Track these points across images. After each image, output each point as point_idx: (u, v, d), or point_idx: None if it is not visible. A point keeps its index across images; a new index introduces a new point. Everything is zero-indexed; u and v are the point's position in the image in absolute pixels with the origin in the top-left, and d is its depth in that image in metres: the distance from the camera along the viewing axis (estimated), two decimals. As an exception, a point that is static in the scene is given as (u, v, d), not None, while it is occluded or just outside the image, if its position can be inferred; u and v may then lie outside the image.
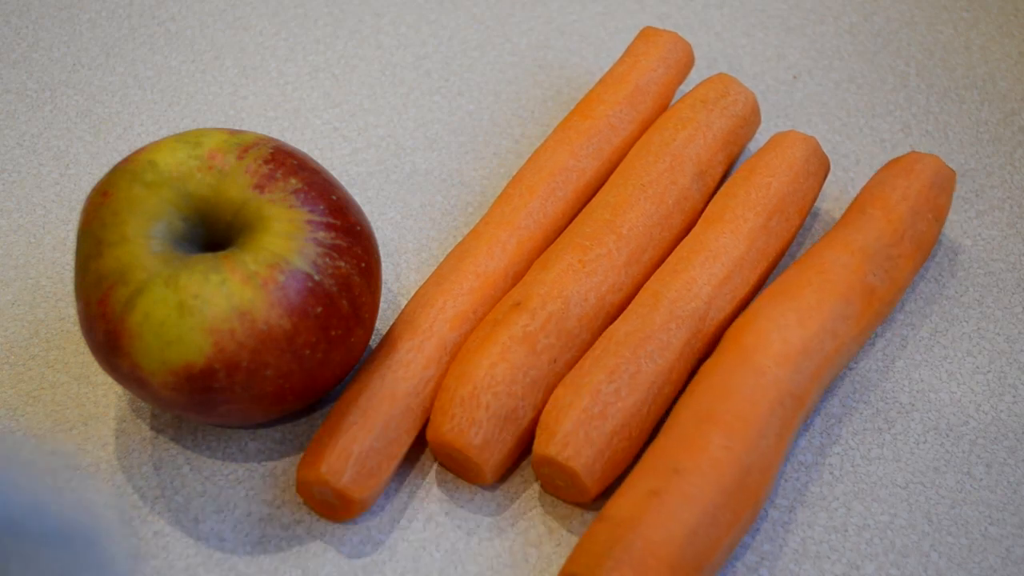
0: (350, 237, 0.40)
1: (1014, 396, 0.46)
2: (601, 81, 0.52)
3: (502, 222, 0.47)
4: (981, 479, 0.44)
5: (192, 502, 0.42)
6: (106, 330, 0.38)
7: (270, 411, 0.40)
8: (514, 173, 0.52)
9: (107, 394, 0.45)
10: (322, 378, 0.40)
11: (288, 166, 0.40)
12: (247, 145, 0.41)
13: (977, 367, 0.47)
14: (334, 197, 0.40)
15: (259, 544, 0.41)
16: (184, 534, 0.41)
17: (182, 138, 0.41)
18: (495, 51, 0.58)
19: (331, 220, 0.40)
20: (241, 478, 0.43)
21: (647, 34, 0.53)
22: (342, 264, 0.39)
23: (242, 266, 0.38)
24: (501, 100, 0.56)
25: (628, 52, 0.53)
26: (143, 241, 0.38)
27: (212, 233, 0.40)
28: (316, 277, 0.39)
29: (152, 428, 0.44)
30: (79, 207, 0.50)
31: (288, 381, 0.39)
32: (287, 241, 0.39)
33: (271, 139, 0.42)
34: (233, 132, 0.41)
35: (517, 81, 0.57)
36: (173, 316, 0.37)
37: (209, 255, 0.39)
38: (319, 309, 0.39)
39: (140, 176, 0.40)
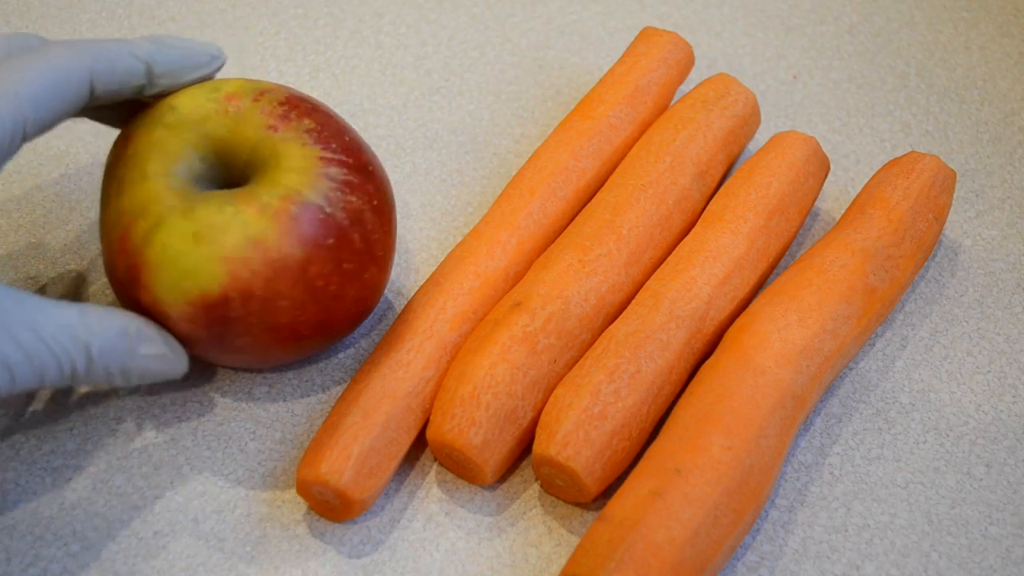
0: (362, 175, 0.41)
1: (1014, 396, 0.46)
2: (601, 81, 0.52)
3: (502, 222, 0.47)
4: (981, 479, 0.44)
5: (192, 502, 0.42)
6: (127, 265, 0.39)
7: (287, 347, 0.41)
8: (514, 173, 0.52)
9: (107, 394, 0.45)
10: (337, 313, 0.41)
11: (302, 108, 0.42)
12: (263, 90, 0.42)
13: (977, 367, 0.47)
14: (347, 138, 0.42)
15: (259, 544, 0.41)
16: (184, 534, 0.41)
17: (204, 85, 0.42)
18: (495, 51, 0.58)
19: (343, 158, 0.41)
20: (241, 478, 0.43)
21: (647, 34, 0.53)
22: (354, 199, 0.40)
23: (256, 198, 0.39)
24: (501, 100, 0.56)
25: (628, 52, 0.53)
26: (163, 179, 0.40)
27: (229, 173, 0.41)
28: (328, 209, 0.40)
29: (152, 428, 0.44)
30: (79, 207, 0.50)
31: (302, 313, 0.40)
32: (300, 176, 0.40)
33: (286, 87, 0.43)
34: (251, 80, 0.43)
35: (517, 81, 0.57)
36: (189, 246, 0.38)
37: (226, 191, 0.40)
38: (331, 240, 0.40)
39: (161, 119, 0.41)
